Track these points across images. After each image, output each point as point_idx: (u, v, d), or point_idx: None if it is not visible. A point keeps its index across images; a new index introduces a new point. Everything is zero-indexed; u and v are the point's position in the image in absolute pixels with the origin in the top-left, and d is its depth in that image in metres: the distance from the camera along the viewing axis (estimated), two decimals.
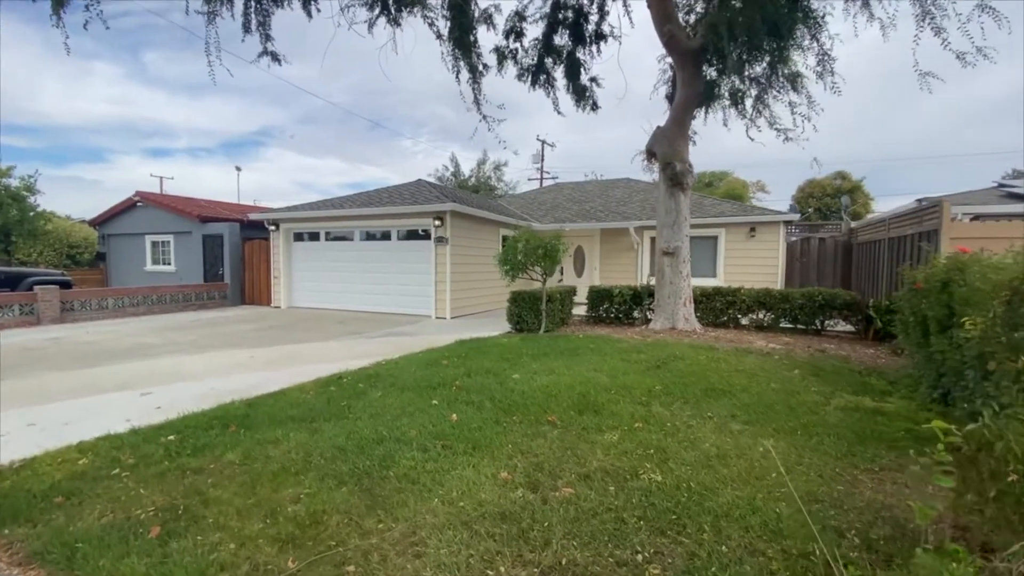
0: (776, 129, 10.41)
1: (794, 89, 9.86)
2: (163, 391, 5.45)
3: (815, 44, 8.46)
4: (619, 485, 3.03)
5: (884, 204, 35.57)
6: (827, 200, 29.76)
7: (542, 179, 37.76)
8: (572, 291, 11.07)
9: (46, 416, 4.59)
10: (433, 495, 2.90)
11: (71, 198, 65.15)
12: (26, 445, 3.83)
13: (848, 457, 3.44)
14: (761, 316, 9.81)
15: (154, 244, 17.04)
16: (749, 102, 10.66)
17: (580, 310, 11.41)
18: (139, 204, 16.85)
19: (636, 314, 10.65)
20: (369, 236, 13.09)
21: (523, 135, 69.55)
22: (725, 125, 10.99)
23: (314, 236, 14.04)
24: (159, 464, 3.38)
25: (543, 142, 37.83)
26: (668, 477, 3.12)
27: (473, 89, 9.76)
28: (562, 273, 16.46)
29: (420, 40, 9.87)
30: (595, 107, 11.20)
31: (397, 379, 5.52)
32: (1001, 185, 12.72)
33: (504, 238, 14.48)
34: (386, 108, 63.91)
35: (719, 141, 66.01)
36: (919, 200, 12.37)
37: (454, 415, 4.24)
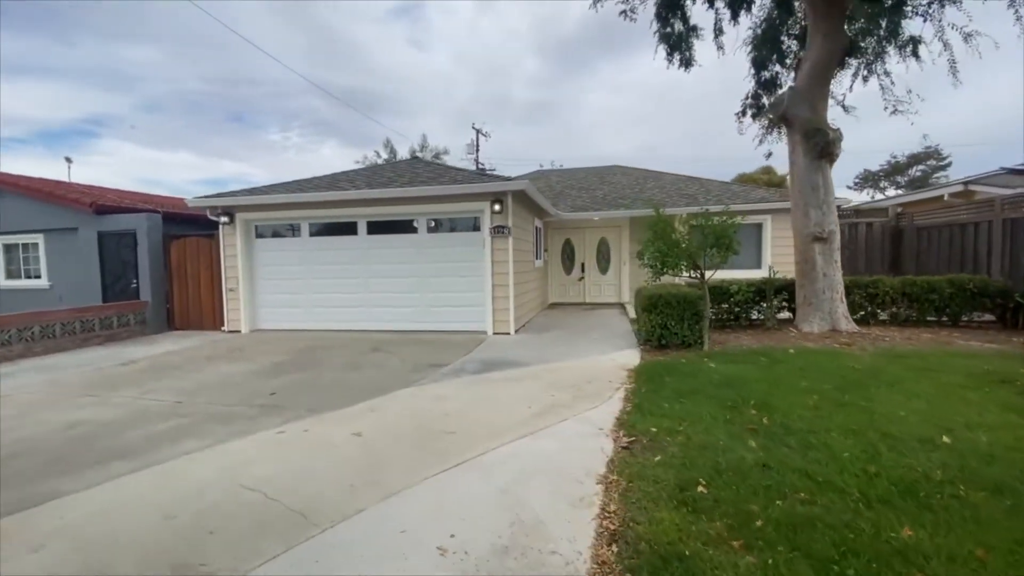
0: (886, 99, 9.29)
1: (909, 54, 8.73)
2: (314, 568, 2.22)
3: None
4: None
5: None
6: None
7: (478, 169, 35.08)
8: None
9: None
10: None
11: None
12: None
13: None
14: (898, 310, 8.53)
15: (8, 248, 11.48)
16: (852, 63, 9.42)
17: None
18: None
19: (755, 315, 8.84)
20: (380, 228, 9.62)
21: (405, 130, 66.04)
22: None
23: (292, 229, 10.13)
24: None
25: (478, 131, 35.18)
26: None
27: None
28: (583, 270, 14.25)
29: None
30: (688, 64, 9.15)
31: (822, 480, 2.88)
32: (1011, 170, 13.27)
33: (537, 229, 11.88)
34: (249, 99, 55.73)
35: (592, 134, 68.17)
36: (965, 182, 12.27)
37: None
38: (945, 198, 12.79)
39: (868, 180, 45.62)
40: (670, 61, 9.04)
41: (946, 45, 8.21)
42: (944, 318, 8.39)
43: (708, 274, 7.04)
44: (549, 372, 5.99)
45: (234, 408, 4.93)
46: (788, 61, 9.88)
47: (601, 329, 9.20)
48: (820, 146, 7.73)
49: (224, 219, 9.92)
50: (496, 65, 62.73)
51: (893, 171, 43.86)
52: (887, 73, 9.39)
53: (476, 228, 9.07)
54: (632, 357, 6.65)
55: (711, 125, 68.78)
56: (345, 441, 3.92)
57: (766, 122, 9.33)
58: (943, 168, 41.04)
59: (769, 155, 10.52)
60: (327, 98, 59.66)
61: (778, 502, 2.60)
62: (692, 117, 70.98)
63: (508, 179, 8.55)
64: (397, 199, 9.06)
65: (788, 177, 8.37)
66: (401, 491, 3.02)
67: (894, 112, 9.23)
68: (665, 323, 6.93)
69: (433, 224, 9.40)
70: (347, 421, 4.41)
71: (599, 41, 59.34)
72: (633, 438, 3.61)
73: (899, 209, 12.82)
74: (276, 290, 10.09)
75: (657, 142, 69.16)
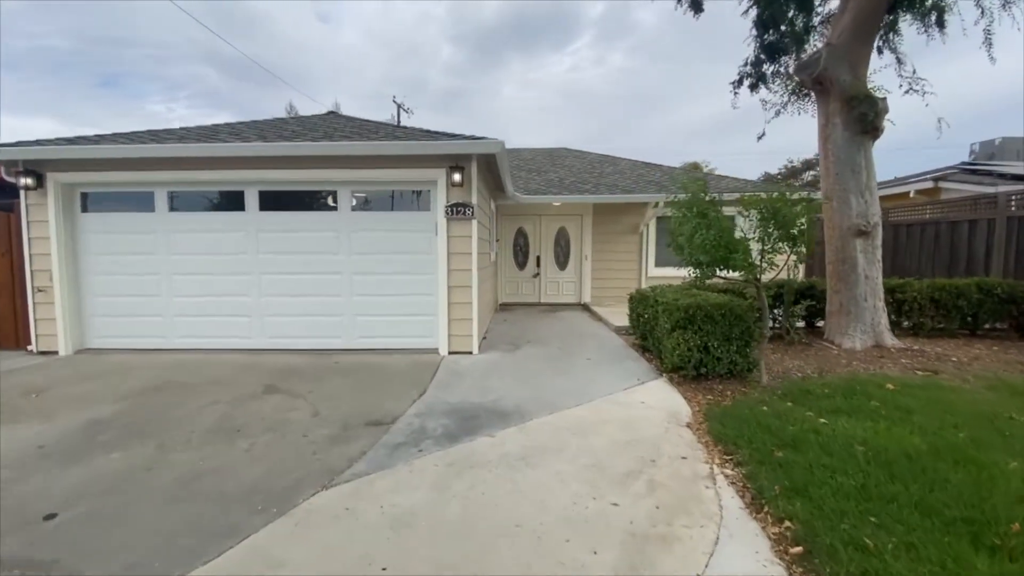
0: (901, 75, 8.09)
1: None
2: None
3: None
4: None
5: None
6: None
7: None
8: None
9: None
10: None
11: None
12: None
13: None
14: (924, 319, 7.37)
15: None
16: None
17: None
18: None
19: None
20: (280, 201, 6.72)
21: (310, 107, 60.58)
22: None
23: (140, 200, 6.85)
24: None
25: (399, 105, 31.46)
26: None
27: None
28: (539, 265, 12.13)
29: None
30: (698, 8, 7.27)
31: None
32: (965, 168, 13.22)
33: (493, 213, 9.54)
34: (125, 63, 47.59)
35: (503, 127, 68.07)
36: (936, 178, 11.82)
37: None
38: (911, 195, 12.35)
39: (771, 183, 48.56)
40: (678, 1, 7.11)
41: (984, 12, 7.06)
42: (964, 327, 7.39)
43: (764, 277, 5.16)
44: (572, 435, 3.75)
45: None
46: (788, 27, 8.40)
47: (587, 343, 7.12)
48: (869, 118, 6.21)
49: (27, 181, 6.44)
50: (410, 48, 58.82)
51: (790, 175, 46.91)
52: (893, 50, 8.21)
53: (424, 207, 6.55)
54: (669, 396, 4.62)
55: (624, 124, 70.94)
56: None
57: (789, 88, 7.75)
58: None
59: (762, 136, 9.03)
60: (220, 67, 51.92)
61: None
62: (602, 116, 72.67)
63: (475, 138, 6.11)
64: (307, 159, 6.25)
65: (819, 156, 6.82)
66: None
67: (909, 91, 8.04)
68: (706, 344, 4.97)
69: (359, 200, 6.70)
70: None
71: (512, 36, 58.11)
72: None
73: None
74: (116, 290, 6.80)
75: (568, 139, 69.74)
